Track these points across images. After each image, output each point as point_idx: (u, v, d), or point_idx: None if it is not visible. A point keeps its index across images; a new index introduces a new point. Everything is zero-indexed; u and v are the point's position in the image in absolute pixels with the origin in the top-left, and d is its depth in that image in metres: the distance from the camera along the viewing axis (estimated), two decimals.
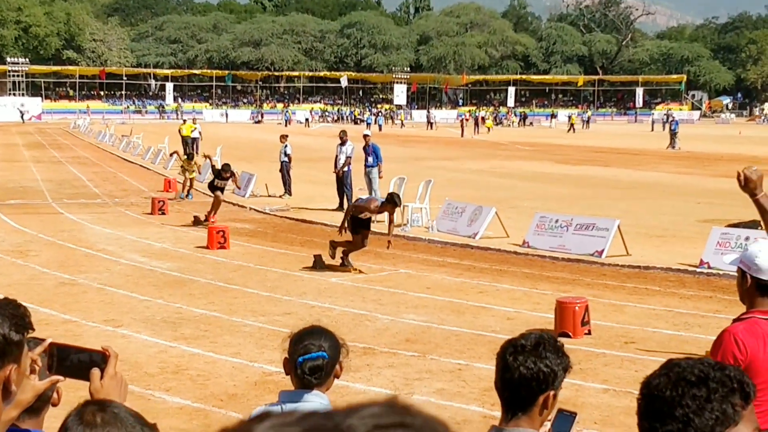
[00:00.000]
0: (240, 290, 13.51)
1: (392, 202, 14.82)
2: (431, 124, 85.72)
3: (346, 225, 15.18)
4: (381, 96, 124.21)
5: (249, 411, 3.91)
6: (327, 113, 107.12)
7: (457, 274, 15.00)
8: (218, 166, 22.14)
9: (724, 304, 12.21)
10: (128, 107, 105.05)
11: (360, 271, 15.03)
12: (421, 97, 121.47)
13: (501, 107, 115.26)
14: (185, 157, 26.82)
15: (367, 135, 23.82)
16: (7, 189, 28.03)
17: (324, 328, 3.83)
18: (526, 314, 12.01)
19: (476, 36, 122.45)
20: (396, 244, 16.28)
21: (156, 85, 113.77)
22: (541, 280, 14.44)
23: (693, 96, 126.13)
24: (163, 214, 22.41)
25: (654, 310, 12.34)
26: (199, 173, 27.74)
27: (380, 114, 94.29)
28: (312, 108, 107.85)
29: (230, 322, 11.52)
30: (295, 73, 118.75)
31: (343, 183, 23.15)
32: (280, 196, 25.57)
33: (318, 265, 15.17)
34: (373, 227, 16.03)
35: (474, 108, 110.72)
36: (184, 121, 46.02)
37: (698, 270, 14.54)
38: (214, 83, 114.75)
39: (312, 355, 3.63)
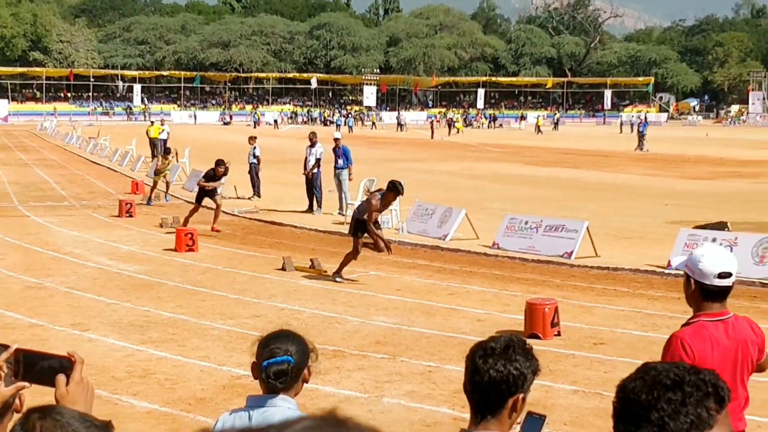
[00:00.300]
0: (208, 293, 13.41)
1: (394, 189, 13.97)
2: (401, 125, 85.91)
3: (359, 234, 14.27)
4: (351, 97, 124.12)
5: (217, 415, 3.87)
6: (297, 115, 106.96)
7: (427, 275, 14.99)
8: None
9: None
10: (95, 109, 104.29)
11: (327, 273, 14.86)
12: (390, 99, 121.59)
13: (470, 109, 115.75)
14: (163, 153, 26.31)
15: (338, 138, 23.68)
16: None
17: (292, 332, 3.78)
18: (496, 316, 12.01)
19: (446, 38, 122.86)
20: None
21: (123, 86, 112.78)
22: (511, 282, 14.46)
23: (660, 98, 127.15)
24: (131, 216, 22.23)
25: (623, 311, 12.40)
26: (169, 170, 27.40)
27: (350, 115, 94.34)
28: (281, 109, 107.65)
29: (198, 325, 11.42)
30: (264, 75, 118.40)
31: (312, 185, 23.07)
32: (249, 198, 25.47)
33: (287, 267, 15.09)
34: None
35: (445, 110, 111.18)
36: (152, 122, 45.64)
37: (666, 271, 14.61)
38: (182, 84, 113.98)
39: (277, 359, 3.58)
